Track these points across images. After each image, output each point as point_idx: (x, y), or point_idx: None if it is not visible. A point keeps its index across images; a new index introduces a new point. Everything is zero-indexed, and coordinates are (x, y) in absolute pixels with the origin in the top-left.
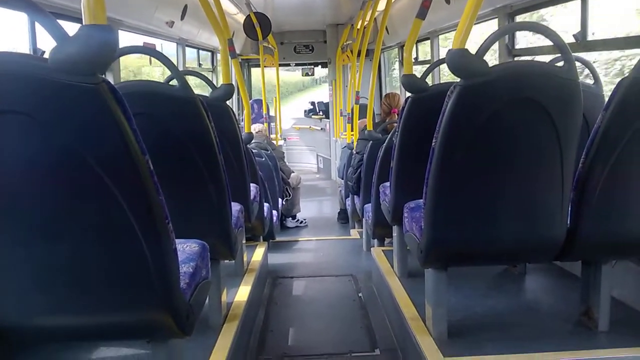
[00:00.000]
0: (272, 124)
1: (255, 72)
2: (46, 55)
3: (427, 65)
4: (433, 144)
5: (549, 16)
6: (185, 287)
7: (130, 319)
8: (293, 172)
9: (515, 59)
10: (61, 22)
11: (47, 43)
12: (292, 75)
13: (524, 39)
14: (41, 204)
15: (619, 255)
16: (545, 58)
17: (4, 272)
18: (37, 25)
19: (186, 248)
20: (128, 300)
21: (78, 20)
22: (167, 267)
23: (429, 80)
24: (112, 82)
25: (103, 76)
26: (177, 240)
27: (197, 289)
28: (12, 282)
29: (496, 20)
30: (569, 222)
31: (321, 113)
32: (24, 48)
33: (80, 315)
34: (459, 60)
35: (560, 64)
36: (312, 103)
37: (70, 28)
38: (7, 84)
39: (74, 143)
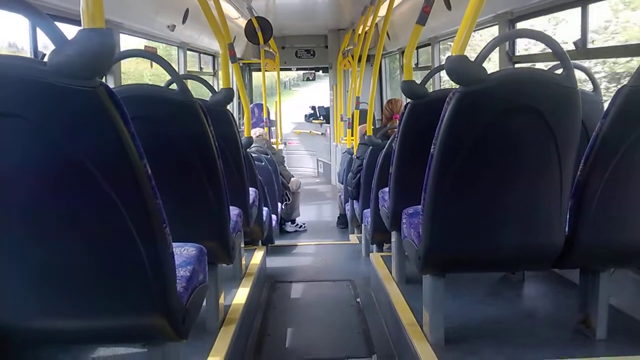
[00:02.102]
0: (272, 128)
1: (257, 75)
2: (47, 58)
3: (428, 71)
4: (432, 150)
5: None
6: (182, 290)
7: (126, 323)
8: (293, 176)
9: (516, 65)
10: (61, 24)
11: (49, 45)
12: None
13: (523, 43)
14: (38, 207)
15: (618, 263)
16: (547, 64)
17: (1, 275)
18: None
19: (183, 252)
20: (124, 304)
21: (78, 22)
22: (163, 270)
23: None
24: (112, 85)
25: (103, 80)
26: (174, 244)
27: (194, 293)
28: (9, 284)
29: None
30: (567, 229)
31: (321, 118)
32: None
33: (76, 318)
34: (458, 67)
35: (560, 71)
36: (313, 107)
37: (70, 30)
38: (4, 86)
39: (70, 146)
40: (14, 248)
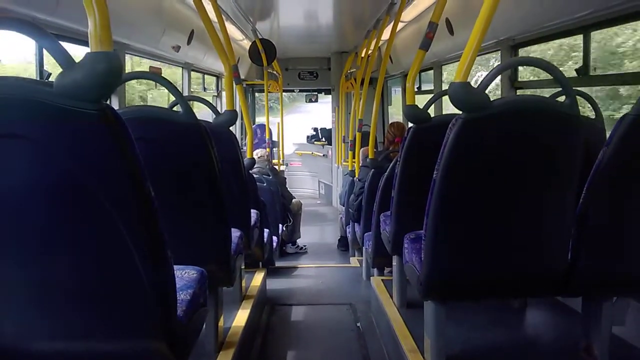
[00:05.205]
0: (274, 149)
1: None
2: (52, 78)
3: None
4: (434, 175)
5: None
6: (182, 314)
7: (125, 346)
8: (294, 197)
9: (517, 92)
10: (70, 45)
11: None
12: None
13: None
14: (39, 228)
15: (619, 292)
16: (548, 91)
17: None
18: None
19: (184, 275)
20: (123, 327)
21: (87, 43)
22: (164, 294)
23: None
24: (117, 105)
25: (107, 101)
26: (175, 267)
27: (194, 317)
28: (7, 305)
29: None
30: (569, 257)
31: (323, 139)
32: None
33: (74, 341)
34: (461, 93)
35: (562, 98)
36: (315, 129)
37: (77, 51)
38: (10, 107)
39: (74, 167)
40: (13, 268)
